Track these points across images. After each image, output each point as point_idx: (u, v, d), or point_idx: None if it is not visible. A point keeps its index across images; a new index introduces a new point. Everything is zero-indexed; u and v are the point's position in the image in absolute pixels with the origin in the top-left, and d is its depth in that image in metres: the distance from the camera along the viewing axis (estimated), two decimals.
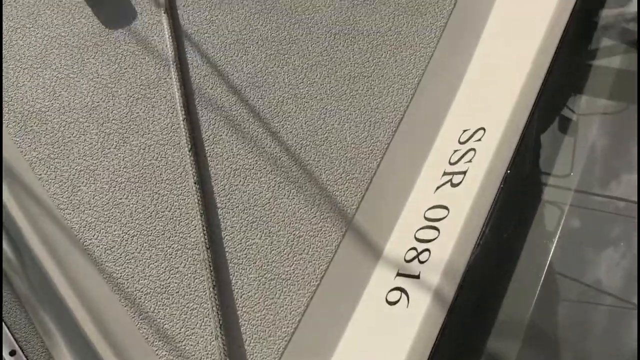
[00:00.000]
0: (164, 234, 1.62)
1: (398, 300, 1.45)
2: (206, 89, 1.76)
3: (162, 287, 1.57)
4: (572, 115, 1.75)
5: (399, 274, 1.51)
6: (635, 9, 1.71)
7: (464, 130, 1.65)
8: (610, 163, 1.71)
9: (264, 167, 1.69)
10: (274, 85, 1.77)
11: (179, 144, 1.70)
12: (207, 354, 1.52)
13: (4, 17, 1.84)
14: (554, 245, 1.59)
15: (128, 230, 1.62)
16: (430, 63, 1.79)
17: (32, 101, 1.75)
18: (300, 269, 1.60)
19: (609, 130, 1.74)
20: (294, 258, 1.60)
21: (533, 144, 1.67)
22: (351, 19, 1.85)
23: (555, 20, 1.64)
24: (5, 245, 1.65)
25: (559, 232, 1.60)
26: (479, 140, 1.58)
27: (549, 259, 1.57)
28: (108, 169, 1.68)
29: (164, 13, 1.83)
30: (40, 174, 1.67)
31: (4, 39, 1.82)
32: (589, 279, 1.57)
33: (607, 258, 1.56)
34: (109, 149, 1.70)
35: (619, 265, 1.53)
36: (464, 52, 1.80)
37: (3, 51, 1.81)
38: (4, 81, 1.77)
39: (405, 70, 1.78)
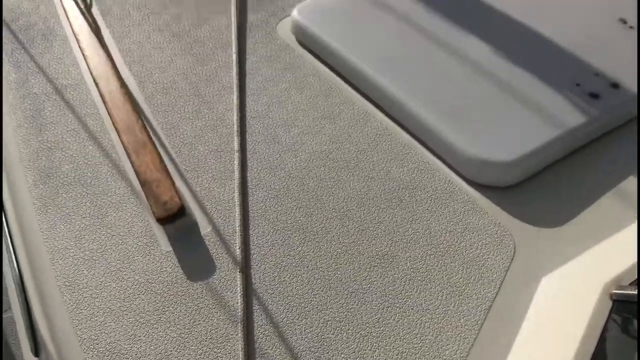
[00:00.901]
0: None
1: None
2: (266, 349, 1.95)
3: None
4: None
5: None
6: None
7: None
8: None
9: None
10: (327, 352, 1.94)
11: None
12: None
13: (106, 263, 2.16)
14: None
15: None
16: (473, 347, 1.93)
17: (114, 342, 1.98)
18: None
19: None
20: None
21: None
22: (403, 293, 2.05)
23: (593, 323, 1.77)
24: None
25: None
26: None
27: None
28: None
29: (239, 272, 2.10)
30: None
31: (101, 280, 2.12)
32: None
33: None
34: None
35: None
36: (505, 340, 1.94)
37: (98, 292, 2.09)
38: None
39: (450, 351, 1.92)
